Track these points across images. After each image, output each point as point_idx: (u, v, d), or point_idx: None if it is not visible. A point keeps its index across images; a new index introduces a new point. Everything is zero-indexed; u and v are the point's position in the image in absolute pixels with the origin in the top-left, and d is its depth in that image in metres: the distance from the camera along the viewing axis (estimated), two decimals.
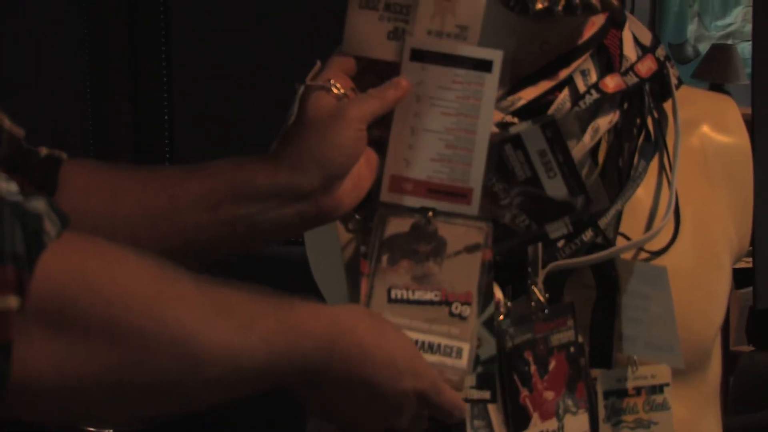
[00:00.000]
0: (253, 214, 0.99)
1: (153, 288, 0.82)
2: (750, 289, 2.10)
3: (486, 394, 0.98)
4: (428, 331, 0.96)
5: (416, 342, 0.95)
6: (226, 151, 1.06)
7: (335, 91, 1.00)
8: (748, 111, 2.05)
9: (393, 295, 0.97)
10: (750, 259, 2.09)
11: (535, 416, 1.01)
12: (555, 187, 1.00)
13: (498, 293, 1.01)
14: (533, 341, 1.01)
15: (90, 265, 0.80)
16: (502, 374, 1.00)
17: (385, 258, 0.98)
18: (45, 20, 2.59)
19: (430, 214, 0.99)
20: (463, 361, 0.95)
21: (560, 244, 1.04)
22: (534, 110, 1.05)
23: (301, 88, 1.01)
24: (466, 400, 0.96)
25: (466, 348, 0.95)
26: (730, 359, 3.41)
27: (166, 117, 2.38)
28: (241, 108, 2.30)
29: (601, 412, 1.06)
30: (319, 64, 1.03)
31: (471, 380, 0.97)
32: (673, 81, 1.13)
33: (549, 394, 1.02)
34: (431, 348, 0.95)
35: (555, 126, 0.99)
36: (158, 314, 0.81)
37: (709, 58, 5.54)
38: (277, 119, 1.04)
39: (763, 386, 2.50)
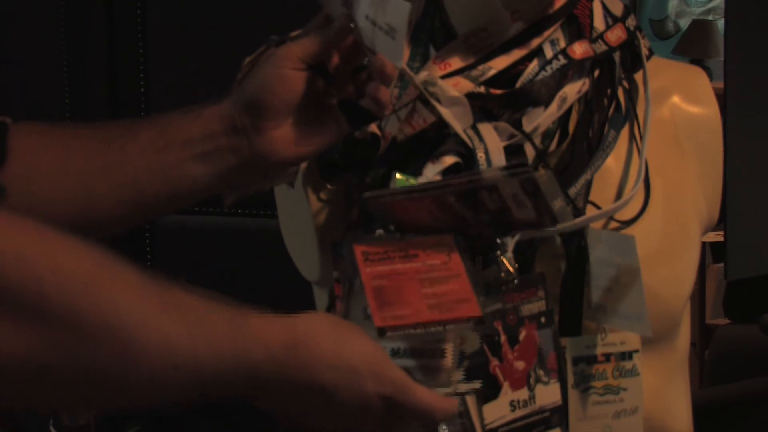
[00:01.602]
0: (197, 154, 1.02)
1: (92, 272, 0.79)
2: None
3: (476, 385, 0.99)
4: None
5: (398, 349, 0.95)
6: None
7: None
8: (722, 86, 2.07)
9: (369, 312, 0.96)
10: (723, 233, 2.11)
11: (506, 385, 1.01)
12: (524, 213, 1.01)
13: (468, 263, 1.01)
14: (503, 311, 1.01)
15: (25, 241, 0.77)
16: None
17: (357, 280, 0.98)
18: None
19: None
20: (448, 361, 0.96)
21: None
22: (504, 81, 1.06)
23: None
24: (456, 394, 0.97)
25: (449, 348, 0.96)
26: (706, 332, 3.43)
27: (142, 89, 2.37)
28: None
29: (570, 379, 1.07)
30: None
31: (459, 375, 0.98)
32: (644, 52, 1.13)
33: (520, 364, 1.02)
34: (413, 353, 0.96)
35: (533, 181, 0.98)
36: (93, 297, 0.78)
37: (690, 33, 5.55)
38: None
39: (738, 358, 2.52)
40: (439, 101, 1.04)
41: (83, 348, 0.78)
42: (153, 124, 1.04)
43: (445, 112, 1.04)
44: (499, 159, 1.03)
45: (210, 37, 2.30)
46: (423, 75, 1.04)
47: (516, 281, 1.02)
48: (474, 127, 1.05)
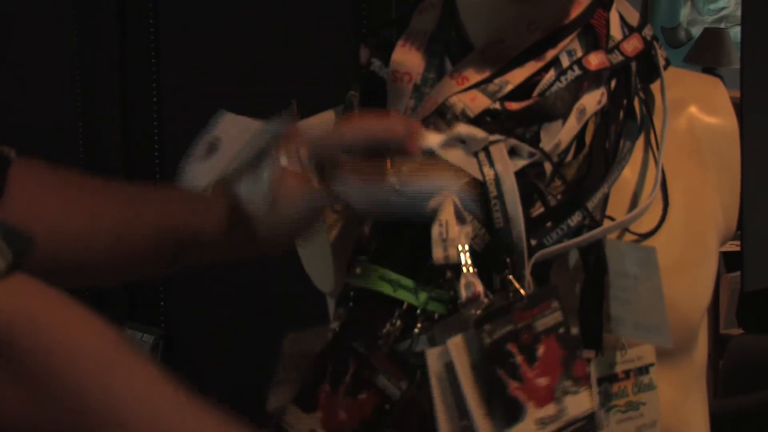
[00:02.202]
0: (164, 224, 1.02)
1: (108, 353, 0.77)
2: (740, 272, 2.10)
3: None
4: None
5: None
6: None
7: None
8: (739, 94, 2.06)
9: None
10: (739, 243, 2.09)
11: (530, 405, 0.99)
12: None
13: (478, 287, 1.00)
14: (515, 332, 1.00)
15: (42, 310, 0.75)
16: (483, 374, 0.99)
17: None
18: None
19: None
20: None
21: (548, 225, 1.04)
22: (520, 91, 1.05)
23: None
24: None
25: None
26: (720, 342, 3.42)
27: (154, 99, 2.37)
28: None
29: (595, 399, 1.05)
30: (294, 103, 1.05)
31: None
32: (661, 62, 1.13)
33: (543, 381, 1.00)
34: None
35: None
36: (106, 379, 0.75)
37: (702, 41, 5.54)
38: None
39: (752, 369, 2.50)
40: (456, 119, 1.03)
41: (84, 427, 0.75)
42: (160, 203, 1.04)
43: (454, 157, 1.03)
44: (510, 183, 1.02)
45: (219, 39, 2.30)
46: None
47: (524, 300, 1.01)
48: (486, 150, 1.04)
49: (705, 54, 5.42)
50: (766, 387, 2.32)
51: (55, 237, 0.96)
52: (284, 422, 1.03)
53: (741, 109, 1.68)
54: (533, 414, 0.99)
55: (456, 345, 0.99)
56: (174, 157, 1.07)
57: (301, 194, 1.01)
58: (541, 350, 1.01)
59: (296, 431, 1.03)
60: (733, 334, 3.17)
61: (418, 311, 1.02)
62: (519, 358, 1.00)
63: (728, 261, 3.60)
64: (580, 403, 1.02)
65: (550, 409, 1.00)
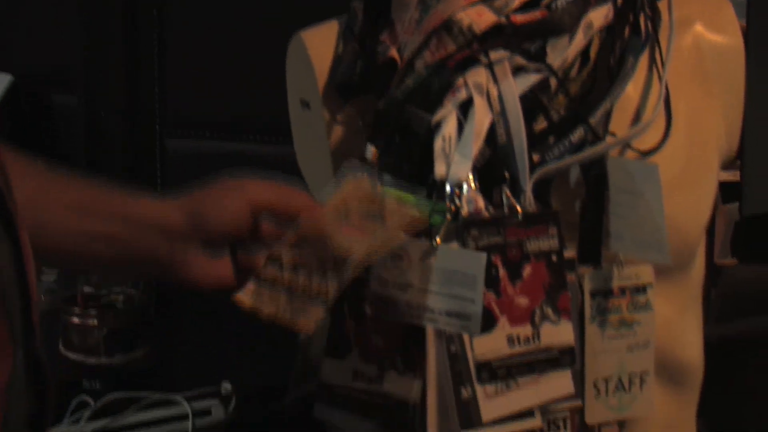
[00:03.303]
0: (113, 234, 1.00)
1: None
2: (737, 204, 2.09)
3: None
4: None
5: None
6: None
7: None
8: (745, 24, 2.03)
9: None
10: (737, 173, 2.08)
11: (503, 320, 1.00)
12: None
13: (480, 202, 1.00)
14: (503, 246, 1.00)
15: None
16: None
17: None
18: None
19: None
20: None
21: (550, 140, 1.04)
22: (529, 4, 1.05)
23: None
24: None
25: None
26: (714, 272, 3.43)
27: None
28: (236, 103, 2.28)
29: (588, 312, 1.06)
30: None
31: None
32: None
33: (522, 300, 1.01)
34: None
35: None
36: None
37: None
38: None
39: (745, 298, 2.51)
40: (463, 34, 1.03)
41: None
42: (87, 185, 1.03)
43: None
44: (513, 100, 1.02)
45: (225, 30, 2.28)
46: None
47: (520, 217, 1.01)
48: (490, 68, 1.03)
49: None
50: (757, 315, 2.33)
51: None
52: (325, 378, 1.05)
53: (747, 36, 1.66)
54: (505, 329, 1.00)
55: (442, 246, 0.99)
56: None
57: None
58: (527, 271, 1.01)
59: (340, 381, 1.03)
60: (727, 264, 3.17)
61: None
62: (501, 272, 1.00)
63: (725, 192, 3.59)
64: (558, 334, 1.02)
65: (523, 330, 1.00)
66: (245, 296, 0.99)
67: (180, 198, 1.02)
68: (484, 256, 0.98)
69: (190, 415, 1.80)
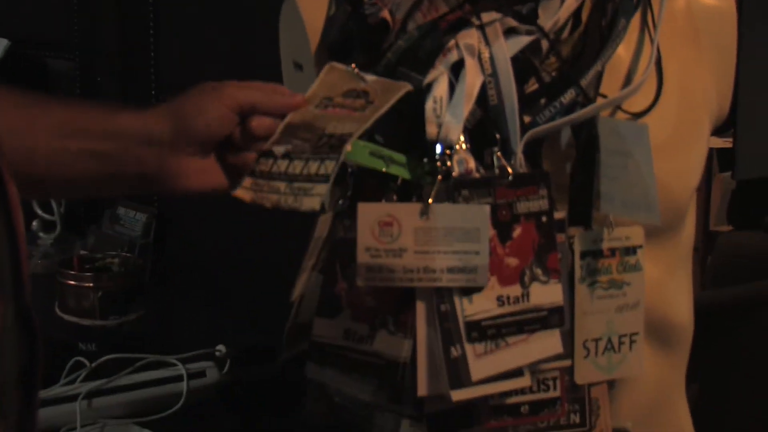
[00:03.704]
0: (100, 151, 1.01)
1: None
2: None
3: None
4: None
5: None
6: None
7: None
8: None
9: None
10: (732, 139, 2.09)
11: (493, 280, 1.00)
12: None
13: (471, 163, 1.01)
14: (493, 206, 1.00)
15: None
16: None
17: None
18: None
19: None
20: None
21: (541, 102, 1.04)
22: None
23: None
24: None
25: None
26: (709, 239, 3.44)
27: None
28: None
29: (577, 272, 1.07)
30: None
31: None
32: None
33: (512, 261, 1.01)
34: None
35: None
36: None
37: None
38: None
39: (739, 264, 2.52)
40: None
41: None
42: (68, 106, 1.03)
43: None
44: (504, 62, 1.02)
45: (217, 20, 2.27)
46: None
47: (510, 177, 1.01)
48: (482, 29, 1.03)
49: None
50: (751, 280, 2.34)
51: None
52: (316, 336, 1.05)
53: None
54: (494, 289, 1.00)
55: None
56: None
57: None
58: (516, 231, 1.01)
59: (331, 340, 1.04)
60: (723, 231, 3.18)
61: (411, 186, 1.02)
62: (491, 233, 1.00)
63: (721, 160, 3.59)
64: (547, 293, 1.02)
65: (513, 290, 1.01)
66: (244, 192, 1.00)
67: (161, 107, 1.02)
68: (487, 208, 0.99)
69: (185, 377, 1.81)
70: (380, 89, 1.01)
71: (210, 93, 1.01)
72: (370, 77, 1.03)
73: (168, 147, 1.01)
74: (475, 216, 0.98)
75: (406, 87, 1.00)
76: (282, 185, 0.99)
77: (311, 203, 0.97)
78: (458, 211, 0.99)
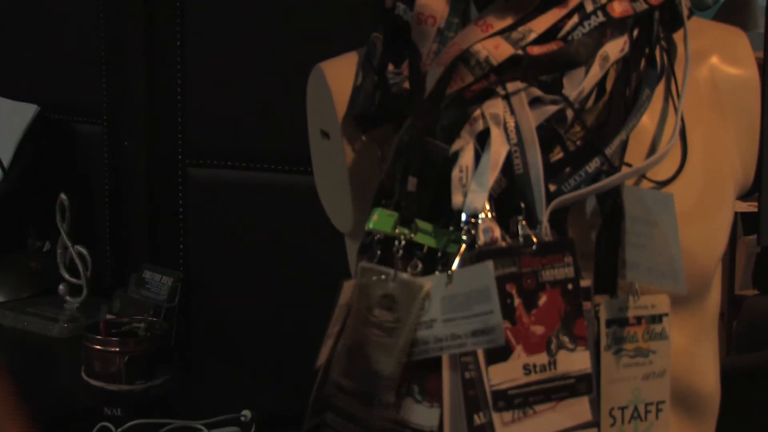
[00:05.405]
0: None
1: None
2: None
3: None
4: None
5: None
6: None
7: None
8: (762, 55, 2.04)
9: None
10: (757, 203, 2.09)
11: (519, 349, 1.00)
12: None
13: (496, 231, 1.01)
14: (518, 275, 1.00)
15: None
16: None
17: None
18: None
19: None
20: None
21: (567, 170, 1.05)
22: (544, 38, 1.06)
23: None
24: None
25: None
26: (735, 303, 3.43)
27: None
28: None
29: (603, 340, 1.07)
30: None
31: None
32: (685, 11, 1.13)
33: (537, 329, 1.01)
34: None
35: None
36: None
37: (728, 5, 5.49)
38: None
39: (766, 328, 2.51)
40: (480, 65, 1.04)
41: None
42: None
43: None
44: (530, 131, 1.03)
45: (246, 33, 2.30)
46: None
47: (534, 246, 1.01)
48: (507, 99, 1.05)
49: (731, 18, 5.38)
50: None
51: None
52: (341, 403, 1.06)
53: (764, 69, 1.67)
54: (521, 358, 1.00)
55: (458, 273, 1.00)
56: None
57: None
58: (542, 300, 1.01)
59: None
60: (749, 295, 3.17)
61: (439, 254, 1.03)
62: (517, 301, 1.00)
63: (746, 223, 3.59)
64: (574, 361, 1.02)
65: (539, 358, 1.00)
66: None
67: None
68: (489, 263, 0.98)
69: None
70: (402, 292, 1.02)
71: None
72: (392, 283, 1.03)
73: None
74: (481, 275, 0.99)
75: (426, 287, 1.01)
76: None
77: None
78: (468, 274, 0.99)
